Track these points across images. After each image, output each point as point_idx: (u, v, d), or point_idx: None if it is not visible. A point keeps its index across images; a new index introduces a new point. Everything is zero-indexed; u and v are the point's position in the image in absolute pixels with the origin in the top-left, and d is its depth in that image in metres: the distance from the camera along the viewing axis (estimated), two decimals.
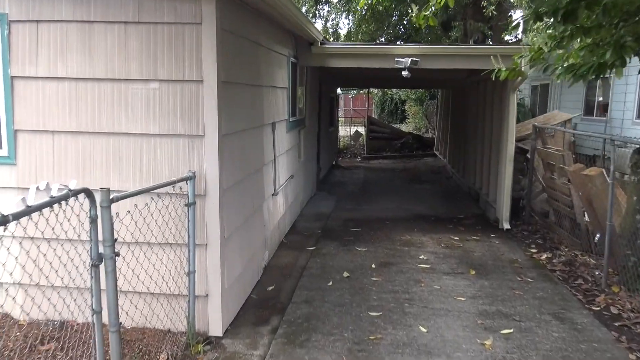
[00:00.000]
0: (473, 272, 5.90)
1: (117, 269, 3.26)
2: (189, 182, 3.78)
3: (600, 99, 15.88)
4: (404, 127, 26.83)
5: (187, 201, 3.82)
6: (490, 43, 13.90)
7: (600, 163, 12.84)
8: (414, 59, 7.25)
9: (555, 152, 7.20)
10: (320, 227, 7.82)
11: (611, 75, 4.94)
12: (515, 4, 13.63)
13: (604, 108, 15.80)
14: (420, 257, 6.46)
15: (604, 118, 15.00)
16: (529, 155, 8.33)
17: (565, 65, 5.19)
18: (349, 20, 18.99)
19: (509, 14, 14.14)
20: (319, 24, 18.18)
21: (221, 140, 3.99)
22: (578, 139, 11.89)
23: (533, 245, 7.10)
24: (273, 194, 6.14)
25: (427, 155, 17.30)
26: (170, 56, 3.86)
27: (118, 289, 2.99)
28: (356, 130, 19.23)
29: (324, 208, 9.19)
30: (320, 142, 11.42)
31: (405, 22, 18.78)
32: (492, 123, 9.14)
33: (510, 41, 15.17)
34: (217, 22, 3.82)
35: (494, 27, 14.52)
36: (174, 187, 3.68)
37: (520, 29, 19.31)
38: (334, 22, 18.36)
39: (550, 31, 5.10)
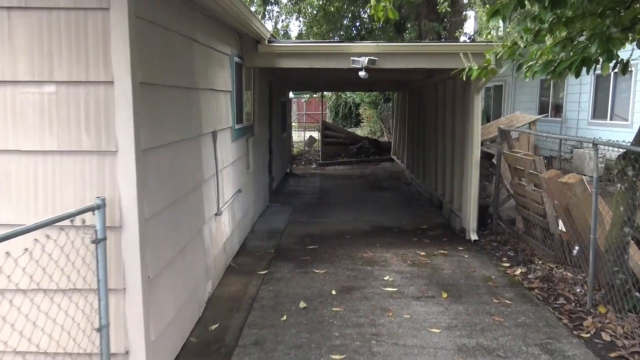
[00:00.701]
0: (445, 295, 5.26)
1: (10, 324, 2.65)
2: (96, 212, 2.93)
3: (554, 99, 15.80)
4: (359, 132, 26.36)
5: (95, 237, 2.98)
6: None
7: (557, 164, 12.63)
8: (372, 57, 6.60)
9: (524, 156, 6.69)
10: (274, 246, 7.03)
11: (570, 74, 4.46)
12: (470, 2, 13.30)
13: (557, 108, 15.74)
14: (386, 278, 5.78)
15: (559, 119, 14.89)
16: (494, 160, 7.82)
17: (540, 62, 4.65)
18: (300, 22, 18.31)
19: (463, 12, 13.81)
20: (268, 25, 17.40)
21: (141, 156, 3.17)
22: (535, 140, 11.55)
23: (505, 259, 6.55)
24: (216, 214, 5.32)
25: (385, 160, 16.78)
26: (70, 51, 3.01)
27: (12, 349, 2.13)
28: (310, 136, 18.54)
29: (278, 223, 8.40)
30: (273, 150, 10.64)
31: (357, 24, 18.26)
32: (453, 127, 8.61)
33: (465, 41, 14.85)
34: (130, 7, 3.00)
35: (449, 27, 14.16)
36: (72, 220, 2.82)
37: (474, 26, 19.16)
38: (284, 23, 17.63)
39: (527, 24, 4.53)
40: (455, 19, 12.29)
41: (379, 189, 11.99)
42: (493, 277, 5.86)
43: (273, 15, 17.56)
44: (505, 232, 7.74)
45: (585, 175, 11.82)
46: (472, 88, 7.26)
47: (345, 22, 17.71)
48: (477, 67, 4.73)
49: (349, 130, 25.24)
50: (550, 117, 15.47)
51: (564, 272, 5.88)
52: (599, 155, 11.81)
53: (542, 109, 16.01)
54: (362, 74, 6.71)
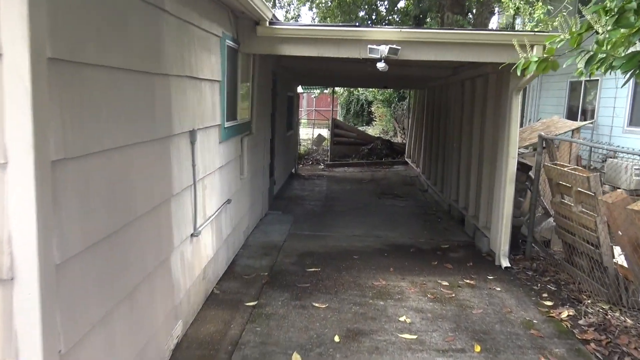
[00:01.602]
0: (479, 349, 4.14)
1: None
2: None
3: (584, 104, 14.56)
4: (371, 130, 25.20)
5: None
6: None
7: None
8: (393, 46, 5.46)
9: (573, 172, 5.53)
10: (268, 267, 5.94)
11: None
12: None
13: (588, 114, 14.50)
14: (402, 318, 4.66)
15: (591, 125, 13.63)
16: (531, 173, 6.66)
17: (626, 53, 3.51)
18: (313, 11, 17.17)
19: (493, 6, 12.60)
20: (279, 14, 16.30)
21: (48, 171, 2.08)
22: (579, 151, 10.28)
23: (545, 294, 5.41)
24: (193, 235, 4.22)
25: (398, 163, 15.61)
26: None
27: None
28: (319, 134, 17.40)
29: (276, 235, 7.30)
30: (275, 150, 9.54)
31: (374, 16, 17.09)
32: (482, 132, 7.45)
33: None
34: None
35: (473, 22, 12.96)
36: None
37: (497, 21, 17.90)
38: (295, 12, 16.47)
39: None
40: (482, 10, 11.13)
41: (391, 196, 10.85)
42: (535, 321, 4.72)
43: (283, 3, 16.43)
44: (541, 257, 6.60)
45: (620, 188, 10.65)
46: (510, 87, 6.10)
47: (361, 13, 16.56)
48: (536, 59, 3.58)
49: (360, 129, 24.11)
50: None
51: (623, 319, 4.74)
52: (636, 167, 10.61)
53: (571, 114, 14.78)
54: (380, 65, 5.58)
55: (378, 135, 20.21)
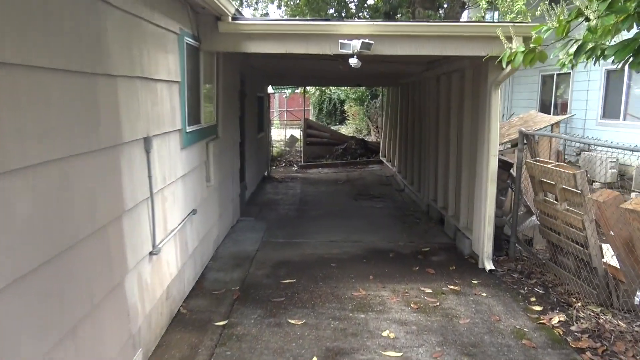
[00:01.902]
0: None
1: None
2: None
3: (557, 98, 14.52)
4: (344, 130, 24.93)
5: None
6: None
7: None
8: (366, 41, 5.12)
9: (557, 168, 5.28)
10: (240, 280, 5.54)
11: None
12: None
13: (561, 107, 14.46)
14: (385, 333, 4.32)
15: (568, 118, 13.54)
16: (513, 171, 6.41)
17: (617, 41, 3.23)
18: (281, 9, 16.75)
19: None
20: (246, 13, 15.85)
21: None
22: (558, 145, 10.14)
23: (533, 299, 5.15)
24: (152, 253, 3.80)
25: (373, 162, 15.33)
26: None
27: None
28: (291, 135, 17.01)
29: (248, 244, 6.89)
30: (246, 154, 9.12)
31: (344, 13, 16.77)
32: (460, 129, 7.19)
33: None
34: None
35: (446, 16, 12.75)
36: None
37: (467, 16, 17.77)
38: (263, 11, 16.03)
39: None
40: (453, 4, 10.91)
41: (368, 197, 10.54)
42: (526, 329, 4.44)
43: (251, 2, 15.97)
44: (525, 258, 6.36)
45: (595, 182, 10.56)
46: (489, 81, 5.83)
47: (331, 11, 16.23)
48: (523, 50, 3.27)
49: (334, 128, 23.79)
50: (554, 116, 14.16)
51: (616, 323, 4.50)
52: (611, 160, 10.49)
53: (544, 108, 14.71)
54: (353, 62, 5.23)
55: (352, 134, 19.93)
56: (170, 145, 4.28)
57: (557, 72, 14.27)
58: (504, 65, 3.39)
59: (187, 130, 4.76)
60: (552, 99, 14.70)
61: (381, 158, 15.00)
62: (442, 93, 8.16)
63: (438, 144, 8.38)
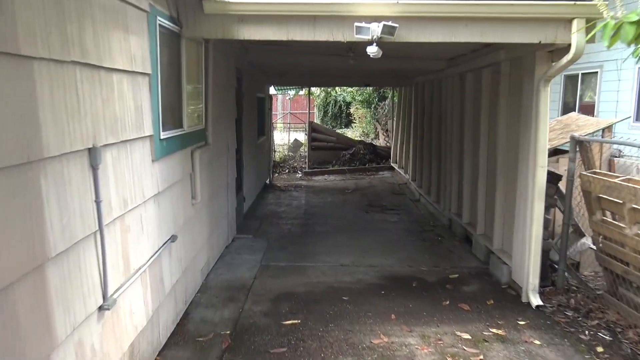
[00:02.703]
0: None
1: None
2: None
3: (582, 99, 13.42)
4: (350, 133, 23.90)
5: None
6: None
7: None
8: (389, 23, 4.06)
9: (627, 183, 4.22)
10: (232, 320, 4.49)
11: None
12: None
13: (586, 110, 13.36)
14: None
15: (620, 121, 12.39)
16: (561, 186, 5.35)
17: None
18: None
19: None
20: None
21: None
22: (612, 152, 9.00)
23: (600, 348, 4.08)
24: (103, 307, 2.75)
25: (383, 169, 14.25)
26: None
27: None
28: (295, 139, 15.95)
29: (244, 269, 5.85)
30: (244, 161, 8.08)
31: None
32: (494, 134, 6.13)
33: None
34: None
35: None
36: None
37: None
38: None
39: None
40: None
41: (380, 208, 9.47)
42: None
43: None
44: (574, 288, 5.29)
45: None
46: (536, 77, 4.77)
47: None
48: (637, 17, 2.21)
49: (339, 132, 22.78)
50: None
51: None
52: None
53: (567, 111, 13.59)
54: (372, 50, 4.18)
55: (359, 138, 18.88)
56: (135, 157, 3.23)
57: (583, 72, 13.19)
58: (604, 41, 2.33)
59: (162, 137, 3.72)
60: (576, 101, 13.61)
61: (392, 164, 13.93)
62: (468, 92, 7.10)
63: (463, 150, 7.32)
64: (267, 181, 12.10)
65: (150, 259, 3.53)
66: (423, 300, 5.07)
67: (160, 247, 3.78)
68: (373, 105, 21.71)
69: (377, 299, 5.08)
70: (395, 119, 13.86)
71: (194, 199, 4.76)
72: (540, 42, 4.18)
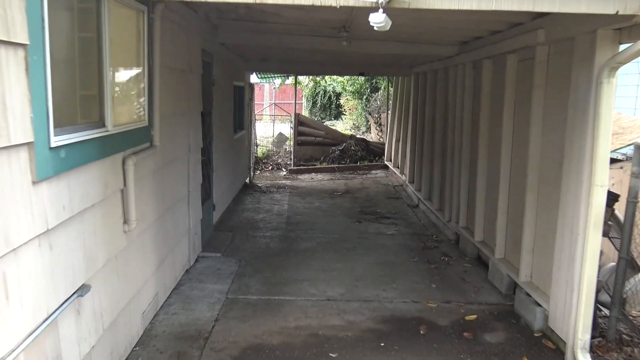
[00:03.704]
0: None
1: None
2: None
3: None
4: (340, 125, 22.63)
5: None
6: None
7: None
8: None
9: None
10: None
11: None
12: None
13: None
14: None
15: None
16: (616, 209, 4.13)
17: None
18: None
19: None
20: None
21: None
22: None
23: None
24: None
25: (376, 167, 12.97)
26: None
27: None
28: (280, 133, 14.61)
29: (204, 307, 4.56)
30: (214, 162, 6.78)
31: None
32: (522, 136, 4.89)
33: None
34: None
35: None
36: None
37: None
38: None
39: None
40: None
41: (374, 217, 8.22)
42: None
43: None
44: (628, 338, 4.08)
45: None
46: (596, 65, 3.52)
47: None
48: None
49: (329, 124, 21.51)
50: None
51: None
52: None
53: None
54: (377, 19, 2.89)
55: (350, 132, 17.59)
56: None
57: None
58: None
59: (54, 144, 2.40)
60: None
61: (386, 162, 12.65)
62: (485, 84, 5.85)
63: (476, 152, 6.08)
64: (247, 180, 10.79)
65: (27, 338, 2.23)
66: (435, 356, 3.83)
67: (55, 312, 2.48)
68: (365, 97, 20.43)
69: (375, 355, 3.83)
70: (390, 112, 12.56)
71: (127, 224, 3.45)
72: (617, 12, 2.92)
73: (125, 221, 3.44)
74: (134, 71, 3.59)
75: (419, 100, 9.45)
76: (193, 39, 5.26)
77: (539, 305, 4.33)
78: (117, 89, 3.22)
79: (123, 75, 3.37)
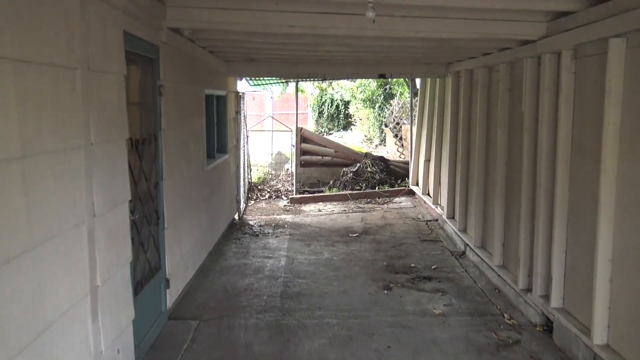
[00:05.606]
0: None
1: None
2: None
3: None
4: (350, 137, 20.25)
5: None
6: None
7: None
8: None
9: None
10: None
11: None
12: None
13: None
14: None
15: None
16: None
17: None
18: None
19: None
20: None
21: None
22: None
23: None
24: None
25: (399, 193, 10.39)
26: None
27: None
28: (278, 152, 12.20)
29: None
30: (168, 214, 4.37)
31: None
32: None
33: None
34: None
35: None
36: None
37: None
38: None
39: None
40: None
41: (408, 277, 5.77)
42: None
43: None
44: None
45: None
46: None
47: None
48: None
49: (338, 135, 19.19)
50: None
51: None
52: None
53: None
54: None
55: (362, 148, 15.14)
56: None
57: None
58: None
59: None
60: None
61: (412, 187, 10.15)
62: (615, 83, 3.42)
63: (586, 188, 3.63)
64: (236, 216, 8.38)
65: None
66: None
67: None
68: (378, 105, 18.04)
69: None
70: (416, 124, 10.08)
71: None
72: None
73: None
74: None
75: (461, 109, 7.01)
76: (96, 11, 2.88)
77: None
78: None
79: None
